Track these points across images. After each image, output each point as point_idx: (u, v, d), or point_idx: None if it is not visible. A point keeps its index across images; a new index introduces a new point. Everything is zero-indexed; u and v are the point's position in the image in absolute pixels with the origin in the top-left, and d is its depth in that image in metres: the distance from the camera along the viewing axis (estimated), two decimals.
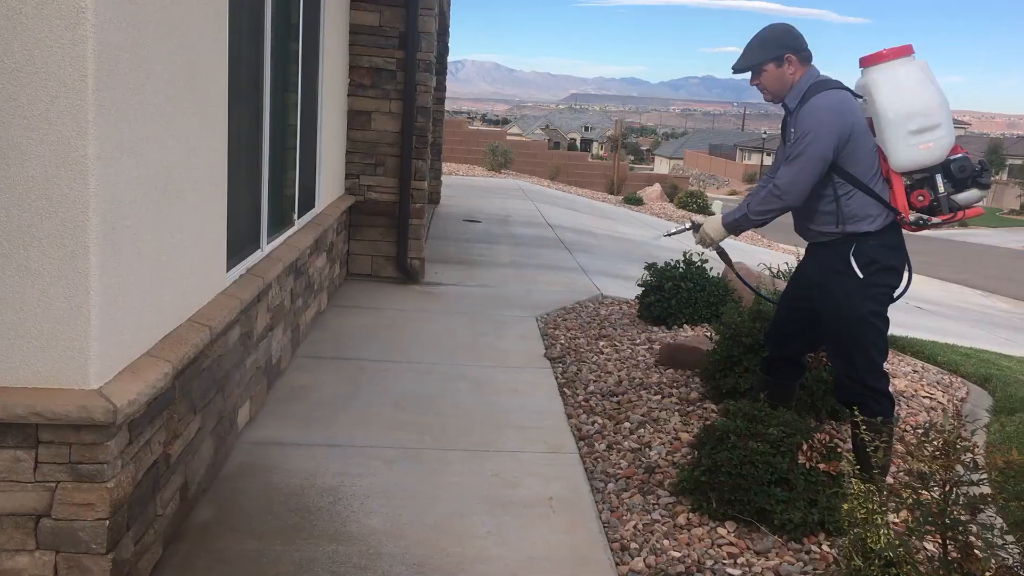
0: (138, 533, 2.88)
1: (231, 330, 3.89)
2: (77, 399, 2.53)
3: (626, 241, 13.41)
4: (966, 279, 19.82)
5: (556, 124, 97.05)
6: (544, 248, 10.63)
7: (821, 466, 3.60)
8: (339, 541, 3.38)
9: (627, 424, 4.59)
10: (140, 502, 2.88)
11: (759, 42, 3.82)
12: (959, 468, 2.27)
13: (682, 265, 6.51)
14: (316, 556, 3.26)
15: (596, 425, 4.64)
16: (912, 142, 3.62)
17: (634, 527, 3.60)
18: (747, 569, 3.28)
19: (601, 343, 6.12)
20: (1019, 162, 50.15)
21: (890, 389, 3.77)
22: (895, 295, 3.79)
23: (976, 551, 2.27)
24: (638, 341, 6.08)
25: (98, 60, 2.49)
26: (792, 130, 3.76)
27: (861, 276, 3.66)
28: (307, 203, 6.24)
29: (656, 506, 3.77)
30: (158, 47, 2.94)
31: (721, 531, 3.54)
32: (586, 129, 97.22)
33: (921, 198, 3.67)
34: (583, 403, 4.98)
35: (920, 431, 2.34)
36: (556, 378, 5.44)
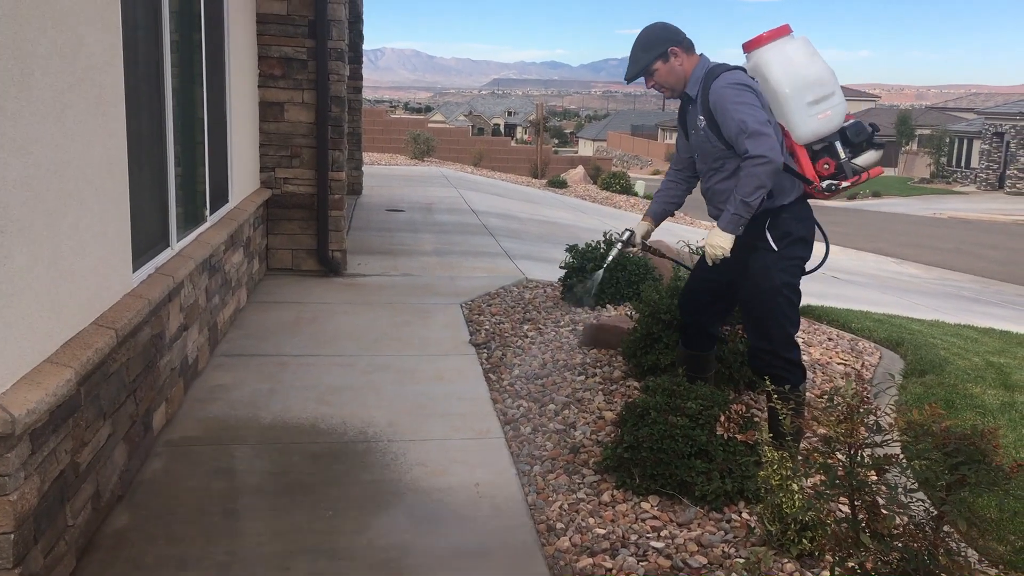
0: (48, 545, 2.78)
1: (140, 332, 3.78)
2: None
3: (551, 224, 13.46)
4: (880, 247, 20.42)
5: (479, 110, 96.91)
6: (468, 235, 10.59)
7: (739, 436, 3.69)
8: (260, 543, 3.32)
9: (552, 406, 4.61)
10: (48, 513, 2.78)
11: (641, 46, 3.88)
12: (863, 431, 2.32)
13: (603, 246, 6.55)
14: (234, 558, 3.20)
15: (521, 408, 4.65)
16: (811, 112, 3.74)
17: (560, 507, 3.62)
18: (670, 541, 3.32)
19: (526, 327, 6.13)
20: (928, 132, 51.79)
21: (802, 359, 3.86)
22: (811, 267, 3.91)
23: (883, 510, 2.33)
24: (562, 323, 6.11)
25: None
26: (700, 118, 3.81)
27: (776, 249, 3.75)
28: (219, 198, 6.10)
29: (581, 485, 3.80)
30: (43, 41, 2.83)
31: (645, 505, 3.59)
32: (509, 114, 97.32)
33: (827, 166, 3.80)
34: (508, 387, 4.99)
35: (825, 397, 2.39)
36: (481, 364, 5.44)
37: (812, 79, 3.75)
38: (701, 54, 3.90)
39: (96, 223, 3.38)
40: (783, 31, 3.86)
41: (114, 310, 3.52)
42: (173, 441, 4.17)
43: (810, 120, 3.76)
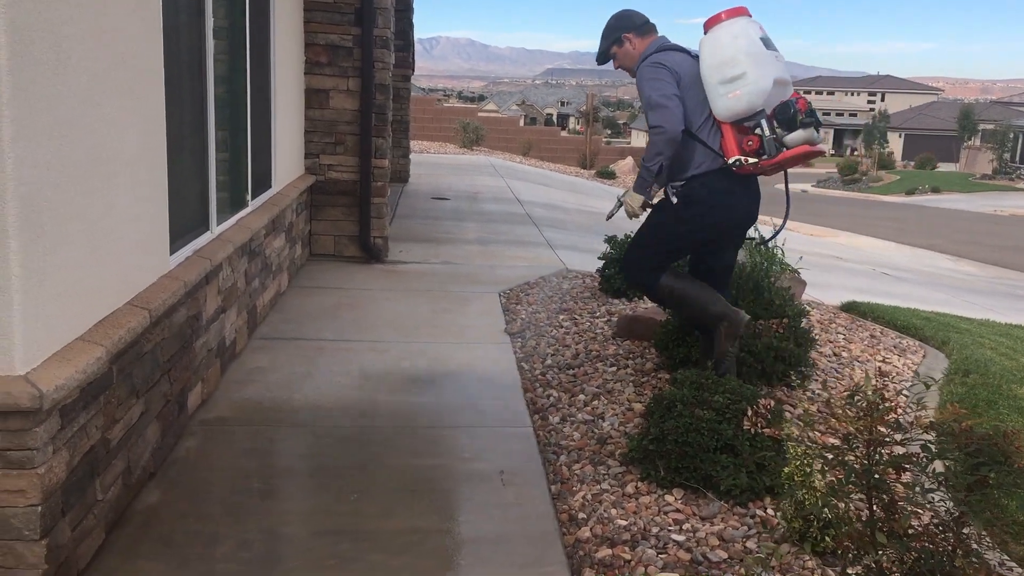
0: (76, 518, 2.86)
1: (175, 313, 3.85)
2: (2, 386, 2.50)
3: (596, 214, 13.39)
4: (935, 244, 19.98)
5: (532, 100, 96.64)
6: (512, 224, 10.60)
7: (766, 431, 3.64)
8: (285, 524, 3.37)
9: (582, 396, 4.60)
10: (77, 487, 2.86)
11: (602, 34, 4.35)
12: (882, 429, 2.28)
13: None
14: (259, 536, 3.25)
15: (551, 398, 4.65)
16: (722, 91, 3.96)
17: (583, 497, 3.61)
18: (691, 535, 3.30)
19: (561, 317, 6.12)
20: (991, 127, 50.40)
21: (654, 284, 4.30)
22: (769, 236, 4.44)
23: (900, 509, 2.29)
24: (598, 314, 6.09)
25: (10, 41, 2.44)
26: None
27: (674, 203, 4.16)
28: (262, 184, 6.18)
29: (606, 476, 3.79)
30: (77, 26, 2.89)
31: (668, 498, 3.56)
32: (562, 104, 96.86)
33: (751, 143, 3.99)
34: (540, 377, 4.99)
35: (847, 394, 2.35)
36: (515, 353, 5.44)
37: (722, 60, 3.96)
38: (659, 36, 4.29)
39: (132, 205, 3.45)
40: (738, 12, 4.06)
41: (149, 291, 3.60)
42: (208, 421, 4.25)
43: (721, 99, 3.97)
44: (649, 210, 4.35)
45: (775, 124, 3.95)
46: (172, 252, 4.04)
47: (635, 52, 4.25)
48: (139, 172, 3.53)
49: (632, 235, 4.44)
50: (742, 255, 6.28)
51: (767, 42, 4.02)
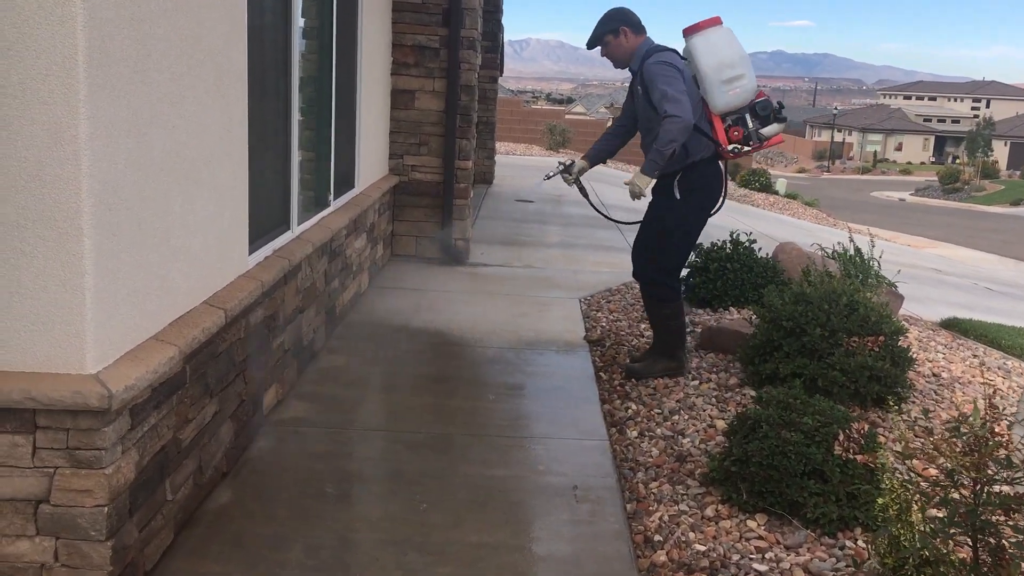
0: (144, 519, 2.84)
1: (252, 313, 3.84)
2: (72, 384, 2.49)
3: None
4: None
5: (620, 103, 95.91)
6: (595, 228, 10.43)
7: (858, 458, 3.41)
8: (354, 530, 3.31)
9: (661, 411, 4.44)
10: (146, 487, 2.84)
11: (600, 21, 4.81)
12: (991, 466, 2.08)
13: (728, 246, 6.29)
14: (326, 542, 3.20)
15: (630, 411, 4.50)
16: (723, 89, 4.57)
17: (660, 518, 3.46)
18: (775, 565, 3.11)
19: (643, 326, 5.95)
20: None
21: (677, 285, 4.94)
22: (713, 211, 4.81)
23: (1009, 555, 2.08)
24: None
25: (89, 37, 2.43)
26: (639, 87, 4.68)
27: (678, 197, 4.65)
28: (345, 183, 6.18)
29: (685, 496, 3.62)
30: (161, 23, 2.88)
31: (751, 524, 3.38)
32: None
33: (736, 133, 4.63)
34: (618, 388, 4.84)
35: (951, 425, 2.15)
36: (593, 361, 5.31)
37: (726, 62, 4.55)
38: (648, 37, 4.77)
39: (211, 205, 3.44)
40: (713, 22, 4.68)
41: (226, 291, 3.58)
42: (282, 421, 4.23)
43: (722, 95, 4.57)
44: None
45: (755, 118, 4.64)
46: (251, 252, 4.03)
47: (627, 46, 4.75)
48: (219, 171, 3.52)
49: (649, 248, 4.84)
50: (835, 268, 6.02)
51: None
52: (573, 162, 5.14)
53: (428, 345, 5.53)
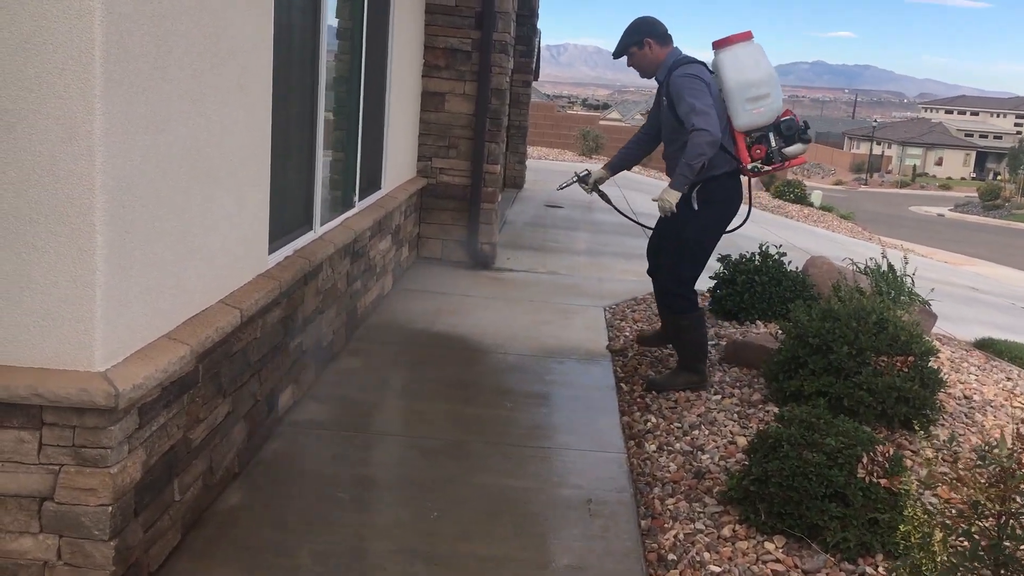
0: (150, 519, 2.82)
1: (269, 313, 3.81)
2: (79, 381, 2.47)
3: None
4: None
5: None
6: (624, 236, 10.35)
7: (882, 481, 3.31)
8: (362, 538, 3.27)
9: (681, 425, 4.35)
10: (152, 487, 2.81)
11: (625, 32, 4.82)
12: (1017, 499, 1.98)
13: (758, 258, 6.18)
14: (334, 549, 3.15)
15: (649, 424, 4.42)
16: (748, 107, 4.54)
17: (675, 536, 3.38)
18: None
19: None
20: None
21: (694, 297, 4.90)
22: (731, 228, 4.83)
23: None
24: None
25: (107, 32, 2.41)
26: (664, 98, 4.70)
27: (696, 208, 4.67)
28: (371, 185, 6.16)
29: (702, 515, 3.54)
30: (182, 20, 2.85)
31: (768, 546, 3.29)
32: None
33: (759, 151, 4.59)
34: (638, 399, 4.76)
35: (976, 454, 2.06)
36: (615, 372, 5.23)
37: (752, 81, 4.52)
38: (675, 47, 4.77)
39: (230, 204, 3.42)
40: (745, 36, 4.64)
41: (243, 290, 3.56)
42: (298, 423, 4.20)
43: (745, 114, 4.55)
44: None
45: (778, 136, 4.60)
46: (271, 251, 4.01)
47: (652, 57, 4.74)
48: (240, 170, 3.49)
49: (669, 259, 4.88)
50: (867, 283, 5.89)
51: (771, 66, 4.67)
52: (588, 172, 5.16)
53: (448, 350, 5.49)
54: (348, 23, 5.37)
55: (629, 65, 4.87)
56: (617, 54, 4.89)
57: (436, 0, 7.48)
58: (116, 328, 2.60)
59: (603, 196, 5.29)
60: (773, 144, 4.59)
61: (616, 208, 5.54)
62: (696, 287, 4.95)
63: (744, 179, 4.80)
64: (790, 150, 4.64)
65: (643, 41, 4.74)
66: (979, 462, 2.05)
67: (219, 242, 3.33)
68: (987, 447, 2.09)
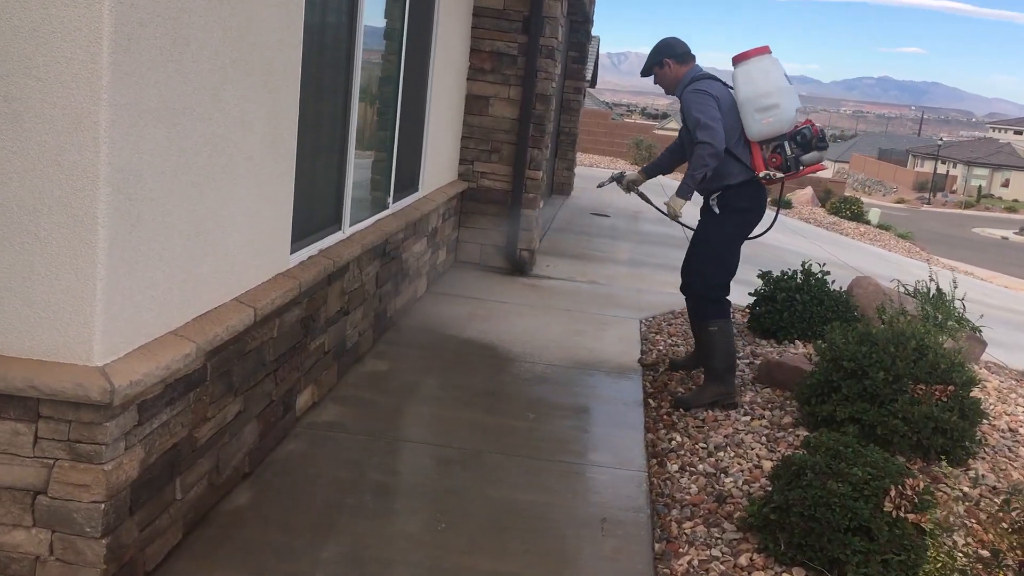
0: (147, 518, 2.78)
1: (287, 312, 3.77)
2: (75, 376, 2.43)
3: (758, 244, 12.71)
4: None
5: None
6: (669, 247, 10.18)
7: (910, 516, 3.15)
8: (366, 546, 3.20)
9: (707, 445, 4.21)
10: (151, 485, 2.77)
11: (649, 54, 5.10)
12: None
13: (800, 275, 5.99)
14: (336, 556, 3.09)
15: (673, 443, 4.28)
16: (758, 117, 4.68)
17: (689, 563, 3.25)
18: None
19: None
20: None
21: (724, 299, 4.96)
22: (755, 234, 4.98)
23: None
24: (741, 354, 5.63)
25: (116, 22, 2.37)
26: (680, 113, 4.90)
27: (717, 213, 4.82)
28: (407, 186, 6.11)
29: (719, 541, 3.40)
30: (201, 13, 2.82)
31: None
32: None
33: (775, 160, 4.74)
34: (665, 416, 4.63)
35: (1002, 499, 1.91)
36: (644, 387, 5.10)
37: (760, 92, 4.66)
38: (695, 65, 4.98)
39: (250, 201, 3.38)
40: (762, 50, 4.80)
41: (260, 288, 3.52)
42: (315, 424, 4.16)
43: (756, 124, 4.69)
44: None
45: (794, 145, 4.71)
46: (294, 250, 3.96)
47: (672, 75, 4.99)
48: (262, 166, 3.45)
49: (693, 262, 5.00)
50: (912, 307, 5.68)
51: (787, 78, 4.76)
52: (623, 173, 5.52)
53: (476, 356, 5.41)
54: (388, 23, 5.33)
55: (656, 83, 5.13)
56: (644, 73, 5.17)
57: (484, 3, 7.42)
58: (118, 322, 2.56)
59: (641, 195, 5.50)
60: (789, 152, 4.74)
61: (654, 205, 5.64)
62: (733, 302, 4.92)
63: (768, 187, 4.95)
64: (807, 158, 4.77)
65: (663, 61, 5.00)
66: (1002, 507, 1.90)
67: (235, 239, 3.29)
68: (1013, 489, 1.94)
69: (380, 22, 5.26)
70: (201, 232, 3.01)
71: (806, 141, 4.74)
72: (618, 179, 5.50)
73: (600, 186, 5.62)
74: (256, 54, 3.28)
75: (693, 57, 5.03)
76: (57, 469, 2.50)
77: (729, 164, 4.73)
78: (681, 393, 4.95)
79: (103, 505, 2.51)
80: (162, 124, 2.67)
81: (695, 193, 4.78)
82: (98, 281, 2.46)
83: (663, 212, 5.44)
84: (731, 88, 4.82)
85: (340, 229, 4.66)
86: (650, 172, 5.44)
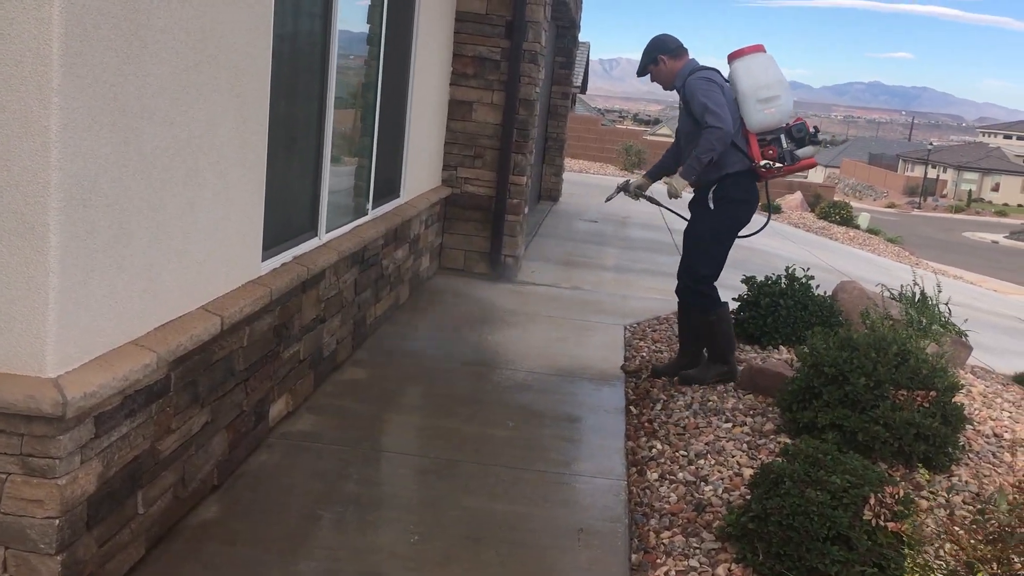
0: (107, 533, 2.70)
1: (258, 320, 3.70)
2: (27, 388, 2.36)
3: (748, 249, 12.65)
4: None
5: None
6: (656, 253, 10.13)
7: (890, 525, 3.09)
8: (337, 559, 3.12)
9: (687, 453, 4.14)
10: (110, 499, 2.70)
11: (643, 53, 5.20)
12: (1015, 560, 1.77)
13: (783, 280, 5.94)
14: (306, 571, 3.01)
15: (654, 451, 4.22)
16: (759, 107, 4.81)
17: (666, 573, 3.18)
18: None
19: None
20: None
21: (714, 293, 5.06)
22: (746, 233, 5.11)
23: None
24: None
25: (67, 23, 2.31)
26: (681, 103, 5.01)
27: (712, 207, 4.92)
28: (387, 192, 6.05)
29: (697, 550, 3.33)
30: (160, 15, 2.75)
31: None
32: None
33: (771, 152, 4.87)
34: (646, 424, 4.56)
35: (977, 508, 1.85)
36: (626, 394, 5.04)
37: (762, 83, 4.81)
38: (691, 59, 5.08)
39: (217, 207, 3.31)
40: (756, 49, 4.97)
41: (229, 296, 3.45)
42: (290, 434, 4.08)
43: (758, 114, 4.82)
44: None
45: (789, 139, 4.87)
46: (266, 257, 3.90)
47: (667, 70, 5.08)
48: (229, 172, 3.39)
49: (686, 255, 5.09)
50: (897, 312, 5.63)
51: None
52: (628, 181, 5.53)
53: (457, 364, 5.34)
54: (366, 28, 5.28)
55: (652, 81, 5.20)
56: (640, 73, 5.24)
57: (466, 7, 7.38)
58: (72, 332, 2.49)
59: (650, 199, 5.49)
60: (784, 145, 4.88)
61: (665, 206, 5.68)
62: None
63: (760, 183, 5.07)
64: (802, 151, 4.94)
65: (657, 58, 5.09)
66: (976, 518, 1.84)
67: (201, 246, 3.22)
68: (988, 499, 1.88)
69: (358, 27, 5.20)
70: (163, 239, 2.94)
71: (801, 135, 4.91)
72: (624, 188, 5.52)
73: (608, 200, 5.64)
74: (222, 57, 3.22)
75: (686, 51, 5.12)
76: (9, 484, 2.42)
77: (729, 153, 4.84)
78: (686, 371, 5.15)
79: (57, 521, 2.44)
80: (119, 128, 2.60)
81: (690, 190, 4.91)
82: (51, 290, 2.39)
83: (678, 214, 5.61)
84: (728, 83, 4.93)
85: (316, 236, 4.59)
86: (654, 175, 5.48)
